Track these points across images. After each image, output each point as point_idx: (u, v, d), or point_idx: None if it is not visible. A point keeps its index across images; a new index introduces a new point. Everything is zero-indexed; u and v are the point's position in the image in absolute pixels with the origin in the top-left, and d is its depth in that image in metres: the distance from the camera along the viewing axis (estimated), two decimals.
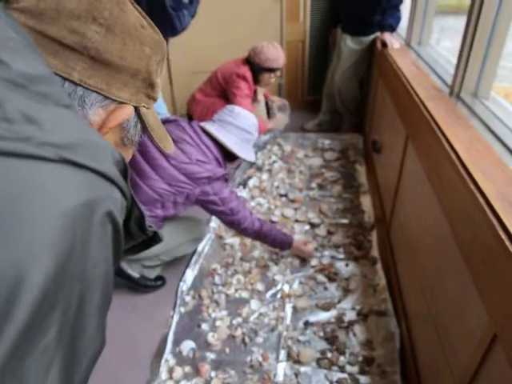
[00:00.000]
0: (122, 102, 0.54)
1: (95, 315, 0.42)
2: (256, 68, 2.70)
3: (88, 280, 0.39)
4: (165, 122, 1.85)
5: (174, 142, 1.71)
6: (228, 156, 1.88)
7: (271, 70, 2.75)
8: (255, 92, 2.92)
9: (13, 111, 0.36)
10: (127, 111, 0.55)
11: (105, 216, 0.40)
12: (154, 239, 0.62)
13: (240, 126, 1.87)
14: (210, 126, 1.85)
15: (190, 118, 2.81)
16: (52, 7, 0.46)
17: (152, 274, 2.00)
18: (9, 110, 0.36)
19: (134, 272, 1.96)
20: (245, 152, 1.90)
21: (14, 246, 0.32)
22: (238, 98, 2.63)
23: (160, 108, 2.80)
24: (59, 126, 0.39)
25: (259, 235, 1.95)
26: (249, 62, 2.72)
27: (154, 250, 1.83)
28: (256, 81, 2.78)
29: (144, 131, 0.61)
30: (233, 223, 1.89)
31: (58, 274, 0.35)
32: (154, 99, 0.60)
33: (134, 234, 0.56)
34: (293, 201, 2.63)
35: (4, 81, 0.37)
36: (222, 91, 2.78)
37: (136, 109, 0.57)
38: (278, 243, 2.02)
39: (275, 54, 2.68)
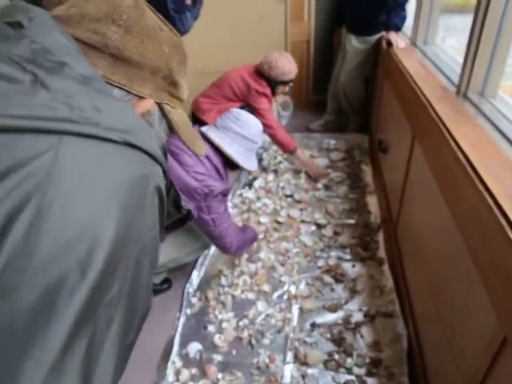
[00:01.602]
0: (143, 98, 0.59)
1: (146, 278, 0.48)
2: (272, 82, 2.68)
3: (142, 243, 0.47)
4: None
5: (172, 153, 1.66)
6: (230, 164, 1.82)
7: (286, 82, 2.74)
8: None
9: (83, 102, 0.44)
10: (146, 103, 0.60)
11: (155, 188, 0.49)
12: (188, 217, 0.71)
13: (245, 135, 1.79)
14: (213, 134, 1.77)
15: (195, 121, 2.79)
16: (77, 13, 0.53)
17: (157, 279, 2.00)
18: (80, 100, 0.44)
19: None
20: (248, 161, 1.83)
21: (91, 206, 0.40)
22: (263, 113, 2.62)
23: None
24: (117, 115, 0.47)
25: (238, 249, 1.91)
26: (263, 75, 2.67)
27: (161, 259, 1.85)
28: (273, 93, 2.76)
29: (170, 129, 0.67)
30: (217, 243, 1.82)
31: (123, 234, 0.42)
32: (179, 99, 0.66)
33: (170, 213, 0.64)
34: (299, 201, 2.62)
35: (73, 78, 0.46)
36: (235, 98, 2.73)
37: (160, 106, 0.63)
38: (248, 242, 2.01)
39: (290, 67, 2.67)
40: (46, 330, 0.35)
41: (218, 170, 1.75)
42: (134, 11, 0.57)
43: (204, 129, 1.81)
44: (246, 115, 1.84)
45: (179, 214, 0.67)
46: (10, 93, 0.41)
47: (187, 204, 0.64)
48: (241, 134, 1.77)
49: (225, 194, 1.77)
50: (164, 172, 0.53)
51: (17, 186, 0.37)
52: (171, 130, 0.67)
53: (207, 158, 1.71)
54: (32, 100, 0.41)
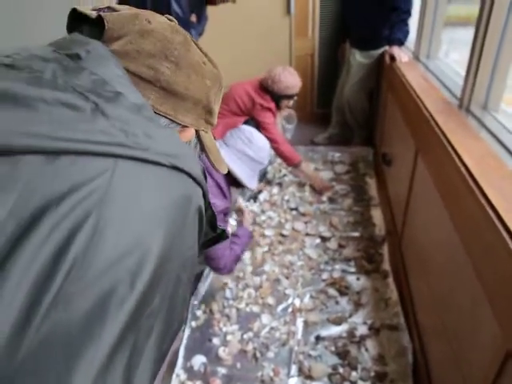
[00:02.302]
0: (185, 126, 0.64)
1: (183, 294, 0.51)
2: (276, 96, 2.71)
3: (183, 260, 0.50)
4: None
5: None
6: (234, 183, 1.82)
7: (290, 96, 2.77)
8: None
9: (136, 129, 0.48)
10: (189, 134, 0.65)
11: (196, 208, 0.53)
12: (222, 236, 0.73)
13: (255, 158, 1.82)
14: (222, 152, 1.77)
15: None
16: (134, 49, 0.57)
17: None
18: (134, 127, 0.48)
19: None
20: (250, 180, 1.85)
21: (142, 222, 0.44)
22: (267, 128, 2.65)
23: None
24: (166, 141, 0.51)
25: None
26: (267, 89, 2.70)
27: None
28: (277, 107, 2.79)
29: (202, 152, 0.72)
30: (210, 262, 1.81)
31: (167, 250, 0.46)
32: (212, 124, 0.71)
33: (205, 232, 0.66)
34: (303, 214, 2.63)
35: (127, 107, 0.50)
36: (240, 113, 2.76)
37: (196, 132, 0.67)
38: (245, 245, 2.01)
39: (293, 81, 2.70)
40: (99, 334, 0.38)
41: (220, 188, 1.74)
42: (183, 47, 0.62)
43: None
44: (257, 137, 1.87)
45: (214, 233, 0.70)
46: (74, 120, 0.45)
47: (222, 224, 0.69)
48: (251, 156, 1.80)
49: (226, 213, 1.77)
50: (204, 193, 0.56)
51: (78, 203, 0.41)
52: (202, 151, 0.72)
53: (210, 174, 1.70)
54: (93, 126, 0.46)
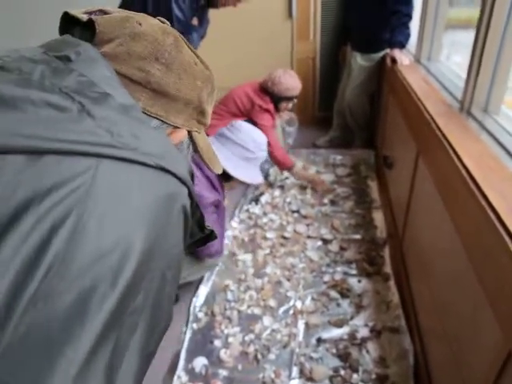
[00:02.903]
0: (176, 127, 0.65)
1: (168, 292, 0.52)
2: (275, 98, 2.74)
3: (168, 259, 0.51)
4: None
5: None
6: (224, 175, 1.76)
7: (290, 99, 2.79)
8: None
9: (123, 129, 0.49)
10: (181, 134, 0.66)
11: (181, 207, 0.53)
12: (210, 237, 0.74)
13: (236, 141, 1.79)
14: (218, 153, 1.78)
15: None
16: (125, 51, 0.58)
17: None
18: (121, 128, 0.49)
19: None
20: (241, 171, 1.79)
21: (124, 221, 0.45)
22: (264, 129, 2.61)
23: None
24: (153, 142, 0.52)
25: None
26: (266, 91, 2.73)
27: None
28: (276, 110, 2.82)
29: (196, 153, 0.73)
30: (201, 250, 1.81)
31: (150, 248, 0.46)
32: (205, 124, 0.72)
33: (194, 232, 0.68)
34: (305, 217, 2.63)
35: (114, 108, 0.50)
36: (239, 114, 2.78)
37: (189, 133, 0.68)
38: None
39: (293, 83, 2.73)
40: (79, 332, 0.38)
41: (210, 181, 1.74)
42: (174, 49, 0.63)
43: None
44: (241, 123, 1.86)
45: (202, 233, 0.71)
46: (60, 120, 0.46)
47: (209, 225, 0.69)
48: (232, 139, 1.78)
49: (217, 206, 1.76)
50: (190, 193, 0.57)
51: (59, 201, 0.42)
52: (195, 151, 0.73)
53: (199, 167, 1.70)
54: (79, 127, 0.46)
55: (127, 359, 0.43)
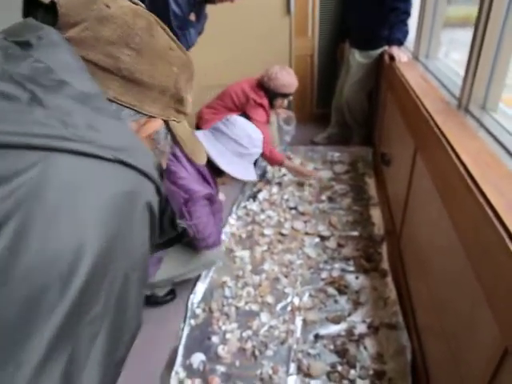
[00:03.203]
0: (152, 117, 0.60)
1: (135, 294, 0.48)
2: (271, 93, 2.75)
3: (131, 259, 0.47)
4: None
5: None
6: (216, 170, 1.76)
7: (285, 95, 2.80)
8: None
9: (79, 120, 0.45)
10: (156, 124, 0.62)
11: (145, 205, 0.49)
12: (183, 235, 0.69)
13: (231, 136, 1.75)
14: (200, 133, 1.75)
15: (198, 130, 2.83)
16: (91, 36, 0.54)
17: (162, 292, 2.01)
18: (76, 118, 0.45)
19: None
20: (233, 166, 1.76)
21: (75, 222, 0.41)
22: (256, 125, 2.62)
23: None
24: (113, 133, 0.48)
25: None
26: (263, 86, 2.75)
27: (168, 274, 1.86)
28: (271, 106, 2.83)
29: (175, 144, 0.68)
30: (197, 243, 1.80)
31: (108, 248, 0.43)
32: (184, 113, 0.66)
33: (166, 230, 0.65)
34: (303, 213, 2.63)
35: (71, 97, 0.47)
36: (234, 108, 2.80)
37: (166, 122, 0.64)
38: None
39: (290, 80, 2.74)
40: (23, 347, 0.35)
41: (202, 175, 1.72)
42: (146, 33, 0.58)
43: (197, 132, 1.78)
44: (236, 117, 1.82)
45: (174, 231, 0.68)
46: (7, 110, 0.42)
47: (182, 222, 0.66)
48: (226, 134, 1.75)
49: (209, 199, 1.74)
50: (158, 190, 0.53)
51: (1, 200, 0.38)
52: (175, 142, 0.68)
53: (190, 162, 1.69)
54: (27, 117, 0.43)
55: (89, 369, 0.40)
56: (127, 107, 0.57)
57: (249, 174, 1.86)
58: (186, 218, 1.66)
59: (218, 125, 1.80)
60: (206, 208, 1.73)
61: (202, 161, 0.76)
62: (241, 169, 1.80)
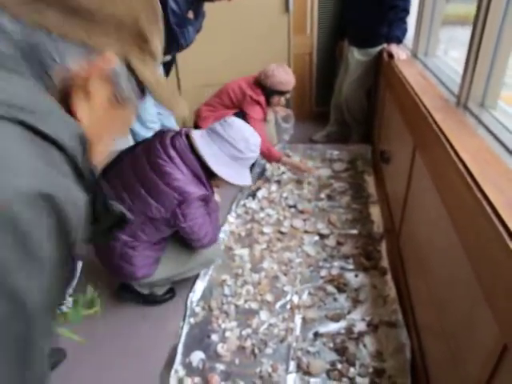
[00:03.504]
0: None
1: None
2: (268, 91, 2.77)
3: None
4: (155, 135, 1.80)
5: (153, 163, 1.64)
6: (209, 171, 1.70)
7: (282, 93, 2.81)
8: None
9: None
10: (109, 61, 0.48)
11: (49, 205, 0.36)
12: (124, 220, 0.60)
13: (226, 138, 1.69)
14: (195, 133, 1.71)
15: (196, 128, 2.83)
16: None
17: (161, 290, 2.02)
18: None
19: (143, 289, 1.96)
20: (225, 169, 1.70)
21: None
22: (252, 121, 2.63)
23: (169, 120, 2.84)
24: (19, 90, 0.38)
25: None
26: (260, 83, 2.77)
27: (166, 273, 1.85)
28: (268, 103, 2.84)
29: (143, 91, 0.56)
30: (194, 243, 1.83)
31: None
32: (151, 53, 0.54)
33: (101, 218, 0.55)
34: (302, 212, 2.63)
35: None
36: (231, 105, 2.82)
37: (128, 64, 0.51)
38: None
39: (287, 78, 2.75)
40: None
41: (197, 176, 1.68)
42: None
43: (193, 131, 1.74)
44: (234, 119, 1.76)
45: (111, 216, 0.58)
46: None
47: (116, 204, 0.52)
48: (222, 135, 1.69)
49: (204, 200, 1.72)
50: (72, 161, 0.42)
51: None
52: (143, 91, 0.56)
53: (185, 163, 1.65)
54: None
55: None
56: (75, 43, 0.45)
57: (242, 179, 1.80)
58: (180, 219, 1.65)
59: (214, 125, 1.74)
60: (201, 209, 1.72)
61: (181, 112, 0.61)
62: (233, 173, 1.74)
